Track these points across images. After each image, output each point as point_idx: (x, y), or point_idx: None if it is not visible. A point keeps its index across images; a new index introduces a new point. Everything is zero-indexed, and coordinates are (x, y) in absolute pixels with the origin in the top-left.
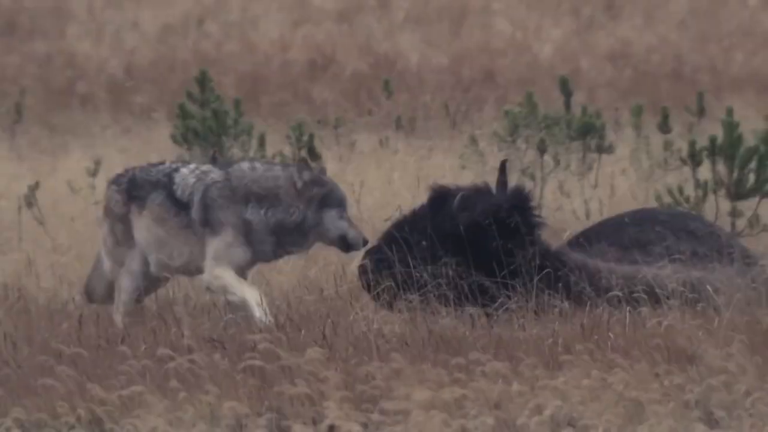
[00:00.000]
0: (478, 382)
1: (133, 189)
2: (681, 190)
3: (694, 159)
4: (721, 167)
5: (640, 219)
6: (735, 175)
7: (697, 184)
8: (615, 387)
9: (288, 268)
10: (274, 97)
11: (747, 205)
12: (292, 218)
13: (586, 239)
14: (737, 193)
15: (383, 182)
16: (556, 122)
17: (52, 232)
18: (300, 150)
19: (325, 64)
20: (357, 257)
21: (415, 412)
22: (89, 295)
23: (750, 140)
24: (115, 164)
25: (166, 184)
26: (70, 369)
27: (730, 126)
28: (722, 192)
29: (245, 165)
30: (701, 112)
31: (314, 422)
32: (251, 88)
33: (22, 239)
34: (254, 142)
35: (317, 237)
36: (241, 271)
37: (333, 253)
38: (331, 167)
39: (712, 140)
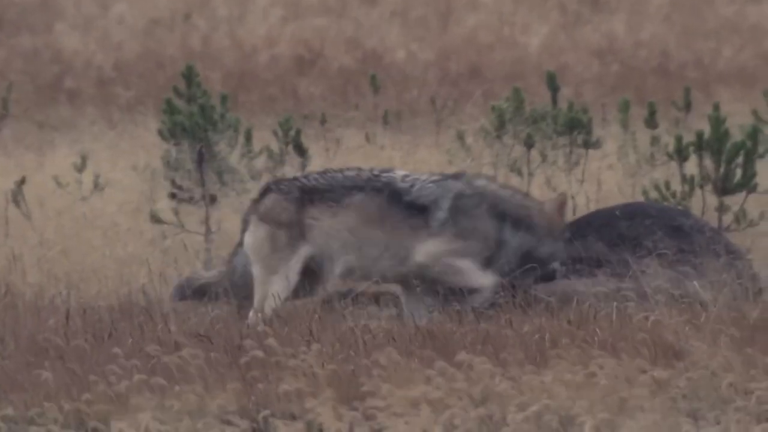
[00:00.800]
0: (464, 378)
1: (314, 194)
2: (668, 185)
3: (680, 154)
4: (708, 162)
5: (631, 213)
6: (722, 170)
7: (684, 180)
8: (602, 382)
9: None
10: (262, 92)
11: (734, 200)
12: (543, 248)
13: (576, 231)
14: (724, 188)
15: None
16: (543, 117)
17: (39, 227)
18: (287, 145)
19: (312, 60)
20: None
21: (402, 408)
22: (184, 292)
23: (737, 135)
24: (102, 159)
25: (380, 187)
26: (57, 365)
27: (717, 121)
28: (709, 187)
29: (484, 182)
30: (688, 107)
31: (301, 418)
32: (238, 83)
33: (9, 235)
34: (241, 138)
35: (541, 266)
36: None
37: None
38: (318, 162)
39: (699, 135)
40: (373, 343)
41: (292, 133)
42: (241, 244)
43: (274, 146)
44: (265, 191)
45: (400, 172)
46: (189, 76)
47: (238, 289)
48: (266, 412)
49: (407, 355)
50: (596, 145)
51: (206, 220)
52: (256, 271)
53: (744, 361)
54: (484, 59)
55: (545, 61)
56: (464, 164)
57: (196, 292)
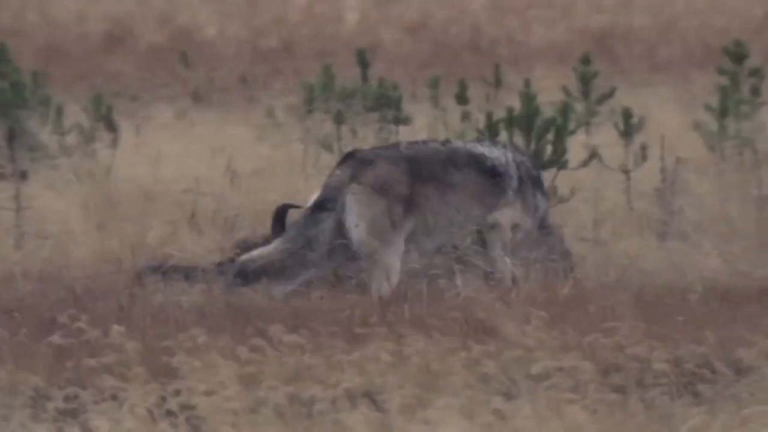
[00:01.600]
0: (275, 355)
1: (419, 168)
2: None
3: (491, 130)
4: (519, 139)
5: None
6: (532, 146)
7: None
8: (413, 359)
9: (87, 242)
10: (72, 69)
11: (544, 177)
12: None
13: None
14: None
15: (180, 154)
16: (352, 94)
17: None
18: (98, 122)
19: (122, 36)
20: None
21: (212, 385)
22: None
23: (547, 112)
24: None
25: (467, 161)
26: None
27: (528, 97)
28: None
29: (516, 148)
30: (498, 83)
31: (111, 396)
32: (49, 59)
33: None
34: (52, 114)
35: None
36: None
37: (130, 226)
38: (128, 139)
39: (509, 111)
40: (184, 319)
41: (103, 109)
42: (313, 212)
43: (85, 123)
44: (370, 161)
45: (461, 141)
46: (0, 52)
47: (320, 256)
48: (76, 389)
49: (218, 331)
50: (406, 121)
51: (17, 196)
52: (375, 244)
53: (555, 338)
54: (295, 36)
55: (358, 37)
56: (274, 140)
57: (257, 274)
